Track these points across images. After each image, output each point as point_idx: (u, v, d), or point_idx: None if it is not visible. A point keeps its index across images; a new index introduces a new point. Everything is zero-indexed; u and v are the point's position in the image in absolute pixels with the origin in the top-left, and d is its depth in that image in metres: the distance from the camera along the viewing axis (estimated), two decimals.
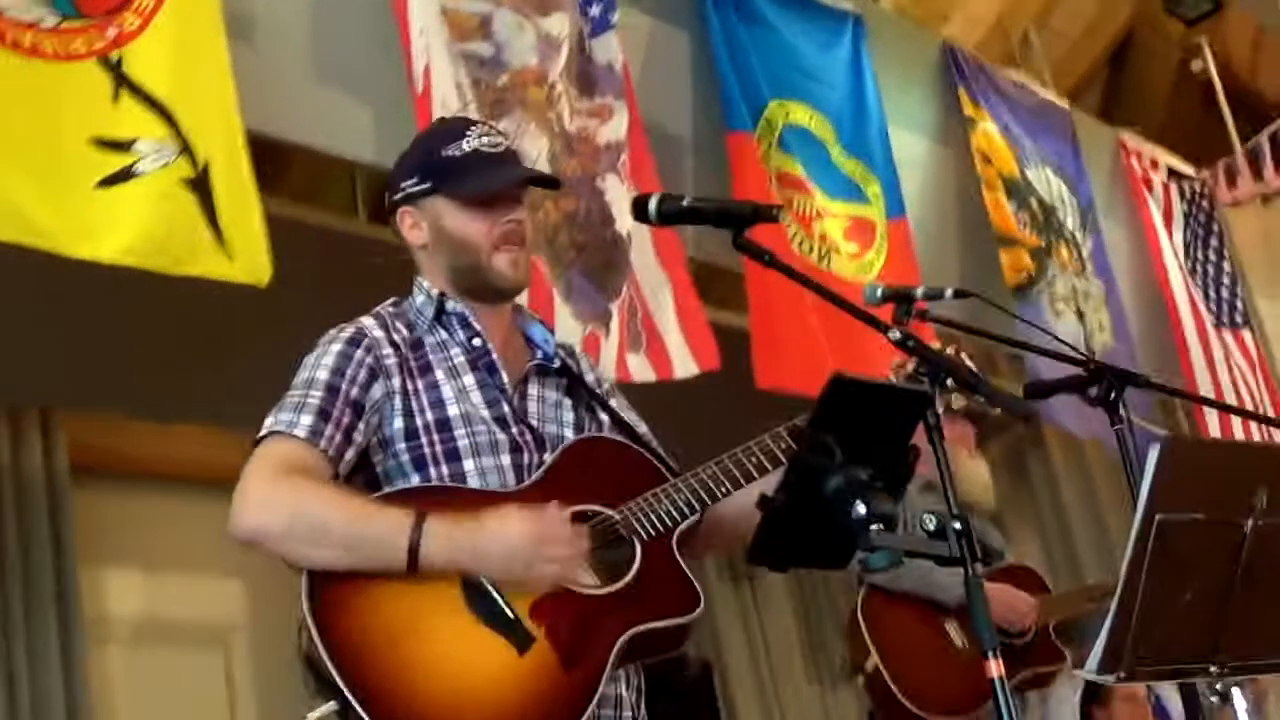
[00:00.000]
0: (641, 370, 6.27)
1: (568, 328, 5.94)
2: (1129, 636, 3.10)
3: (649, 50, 7.20)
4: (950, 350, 4.08)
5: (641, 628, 3.13)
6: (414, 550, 2.97)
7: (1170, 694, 7.90)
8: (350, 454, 3.20)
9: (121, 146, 5.15)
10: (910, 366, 3.53)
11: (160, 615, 8.06)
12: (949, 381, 3.20)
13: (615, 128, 6.73)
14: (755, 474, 3.31)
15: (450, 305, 3.43)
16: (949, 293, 4.07)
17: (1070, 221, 9.08)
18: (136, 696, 7.71)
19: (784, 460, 3.26)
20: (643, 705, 3.33)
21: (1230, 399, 9.62)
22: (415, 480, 3.24)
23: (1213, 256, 10.23)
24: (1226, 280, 10.23)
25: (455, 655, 3.01)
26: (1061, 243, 8.92)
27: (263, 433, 3.16)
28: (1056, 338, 4.70)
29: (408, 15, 5.93)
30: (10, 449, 7.42)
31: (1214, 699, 4.08)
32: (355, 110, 6.10)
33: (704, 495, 3.25)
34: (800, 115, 7.59)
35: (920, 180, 8.36)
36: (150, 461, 8.07)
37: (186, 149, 5.27)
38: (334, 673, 2.92)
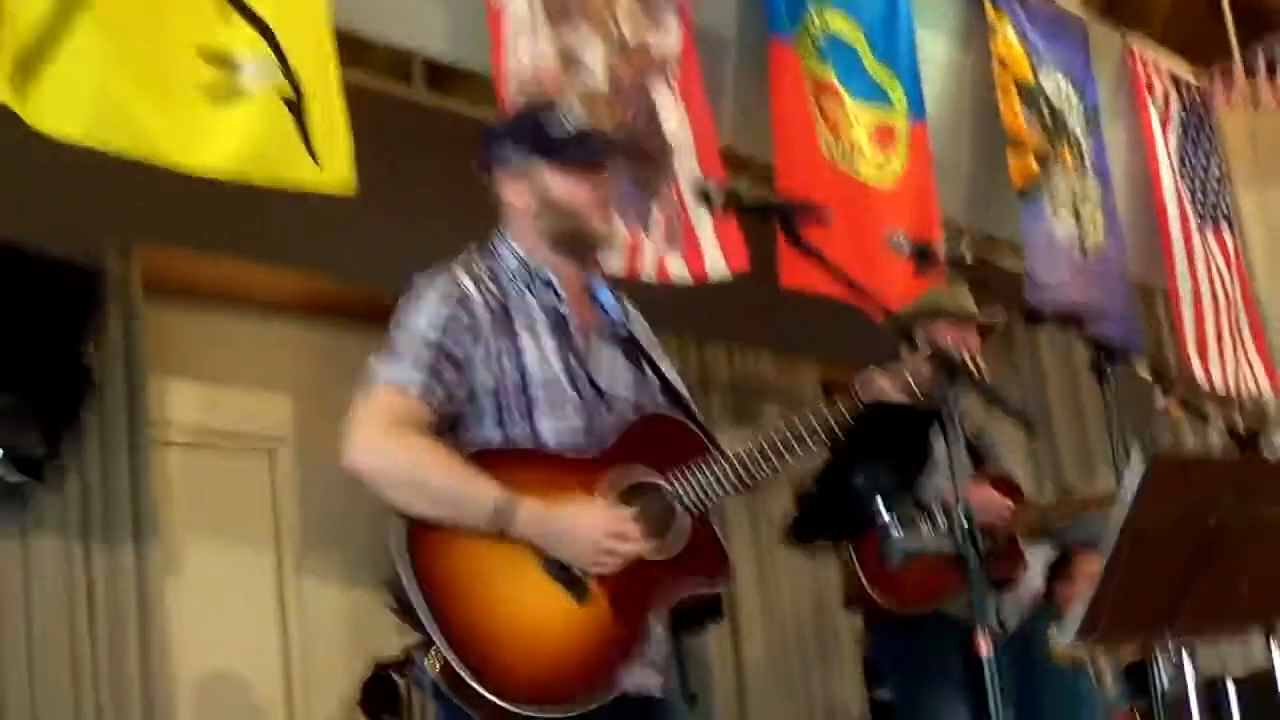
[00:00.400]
0: (680, 271, 6.45)
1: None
2: (1105, 608, 3.48)
3: None
4: (963, 246, 4.27)
5: (683, 593, 3.46)
6: (503, 528, 3.28)
7: None
8: (449, 406, 3.46)
9: (228, 61, 5.26)
10: (926, 370, 3.64)
11: (215, 424, 8.31)
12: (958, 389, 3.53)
13: (668, 38, 6.81)
14: (788, 457, 3.55)
15: (538, 269, 3.64)
16: (967, 255, 4.27)
17: (1075, 125, 9.12)
18: (192, 496, 8.00)
19: (815, 445, 3.54)
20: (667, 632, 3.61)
21: (1206, 297, 9.74)
22: (495, 433, 3.48)
23: (1203, 158, 10.27)
24: (1214, 181, 10.29)
25: (524, 600, 3.32)
26: (1065, 145, 8.98)
27: (376, 380, 3.44)
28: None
29: None
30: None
31: None
32: (431, 10, 6.24)
33: (744, 477, 3.52)
34: (837, 23, 7.64)
35: (941, 82, 8.41)
36: (212, 286, 8.27)
37: (286, 68, 5.38)
38: (422, 609, 3.23)
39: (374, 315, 8.84)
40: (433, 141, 6.10)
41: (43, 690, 7.31)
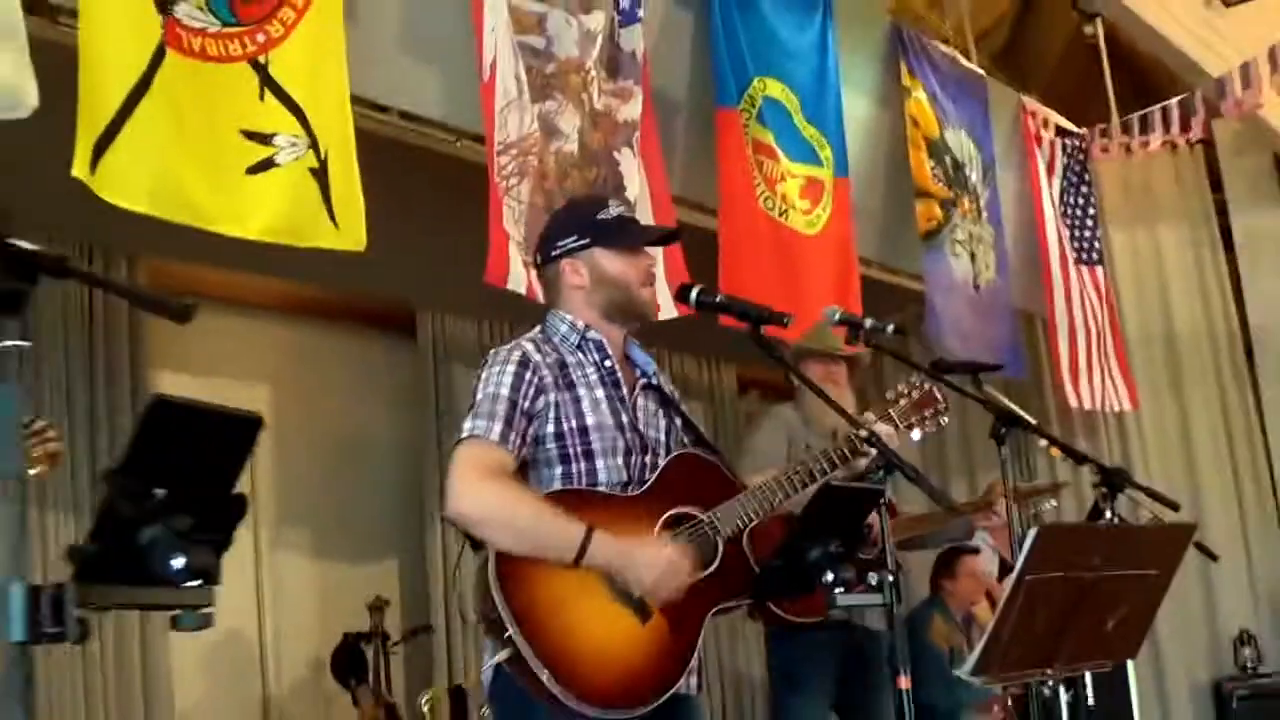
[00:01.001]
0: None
1: None
2: (998, 651, 3.89)
3: (660, 33, 7.46)
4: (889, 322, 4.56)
5: (721, 605, 3.87)
6: (580, 558, 3.61)
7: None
8: (524, 450, 3.78)
9: (265, 139, 5.48)
10: (870, 453, 3.99)
11: (206, 396, 8.39)
12: (893, 471, 3.91)
13: (632, 107, 7.03)
14: (800, 490, 3.98)
15: (590, 334, 3.96)
16: (890, 328, 4.55)
17: (974, 175, 9.38)
18: None
19: (819, 478, 4.01)
20: None
21: (1079, 327, 10.08)
22: (558, 470, 3.82)
23: (1080, 202, 10.57)
24: (1090, 223, 10.59)
25: (597, 621, 3.67)
26: (965, 195, 9.24)
27: (465, 435, 3.75)
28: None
29: (483, 15, 6.26)
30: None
31: None
32: (432, 81, 6.49)
33: (765, 505, 3.90)
34: (775, 89, 7.88)
35: (862, 138, 8.68)
36: (203, 290, 8.39)
37: (313, 142, 5.61)
38: (511, 626, 3.55)
39: (341, 315, 9.17)
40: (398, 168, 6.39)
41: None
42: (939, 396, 4.34)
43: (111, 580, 2.61)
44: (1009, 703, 7.38)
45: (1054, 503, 6.86)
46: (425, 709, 8.36)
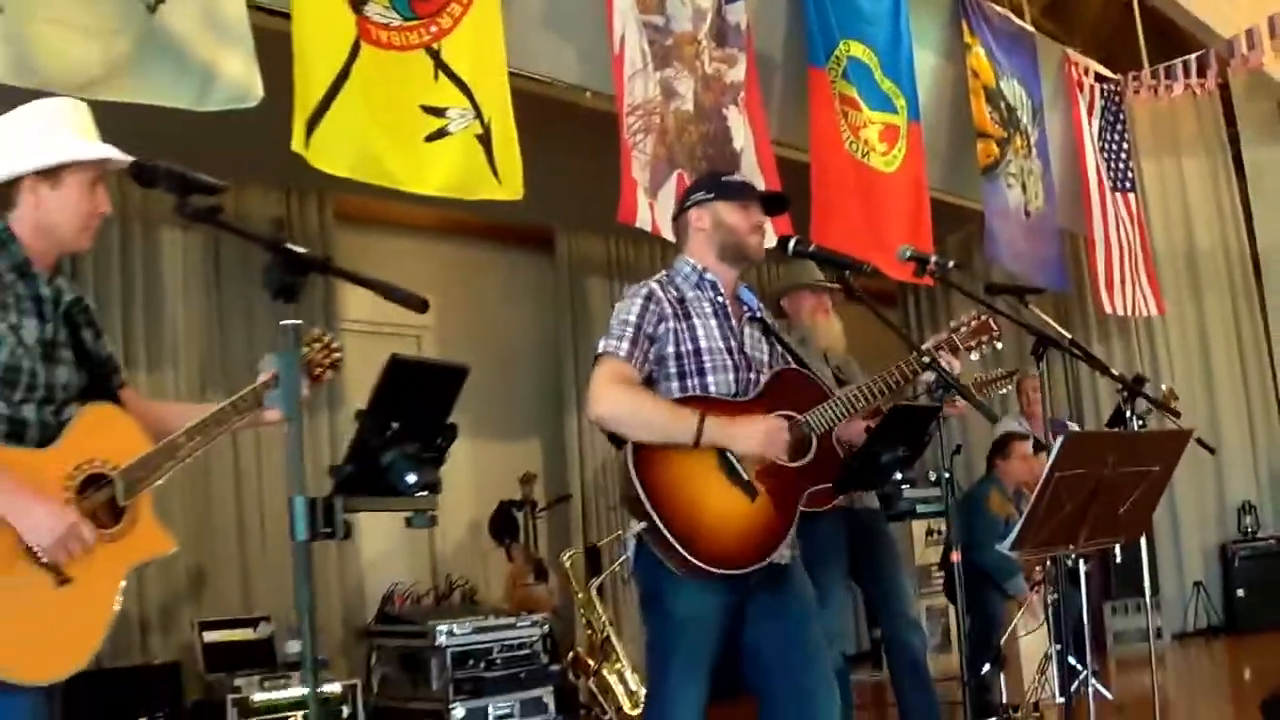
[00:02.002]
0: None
1: None
2: (1032, 531, 4.24)
3: (760, 5, 7.65)
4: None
5: (813, 488, 4.04)
6: (698, 440, 3.82)
7: None
8: (647, 367, 3.99)
9: (439, 112, 5.78)
10: (930, 377, 4.20)
11: (379, 318, 8.38)
12: (951, 387, 4.12)
13: (737, 71, 7.26)
14: (875, 399, 4.14)
15: (707, 275, 4.15)
16: (951, 263, 4.70)
17: (1025, 118, 9.52)
18: (363, 370, 8.40)
19: (899, 387, 4.16)
20: None
21: (1114, 245, 10.27)
22: (675, 384, 4.01)
23: (1116, 138, 10.68)
24: (1124, 156, 10.71)
25: (714, 497, 3.87)
26: (1017, 134, 9.39)
27: (600, 352, 3.97)
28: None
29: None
30: (299, 211, 8.37)
31: None
32: (570, 53, 6.74)
33: (848, 410, 4.06)
34: (857, 50, 8.06)
35: (930, 88, 8.85)
36: (379, 217, 8.74)
37: (478, 113, 5.90)
38: (646, 503, 3.79)
39: (493, 236, 9.40)
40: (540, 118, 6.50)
41: (273, 502, 8.05)
42: (993, 326, 4.39)
43: (362, 492, 2.99)
44: (1048, 563, 7.60)
45: (1010, 387, 6.86)
46: (567, 564, 8.64)
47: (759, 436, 3.86)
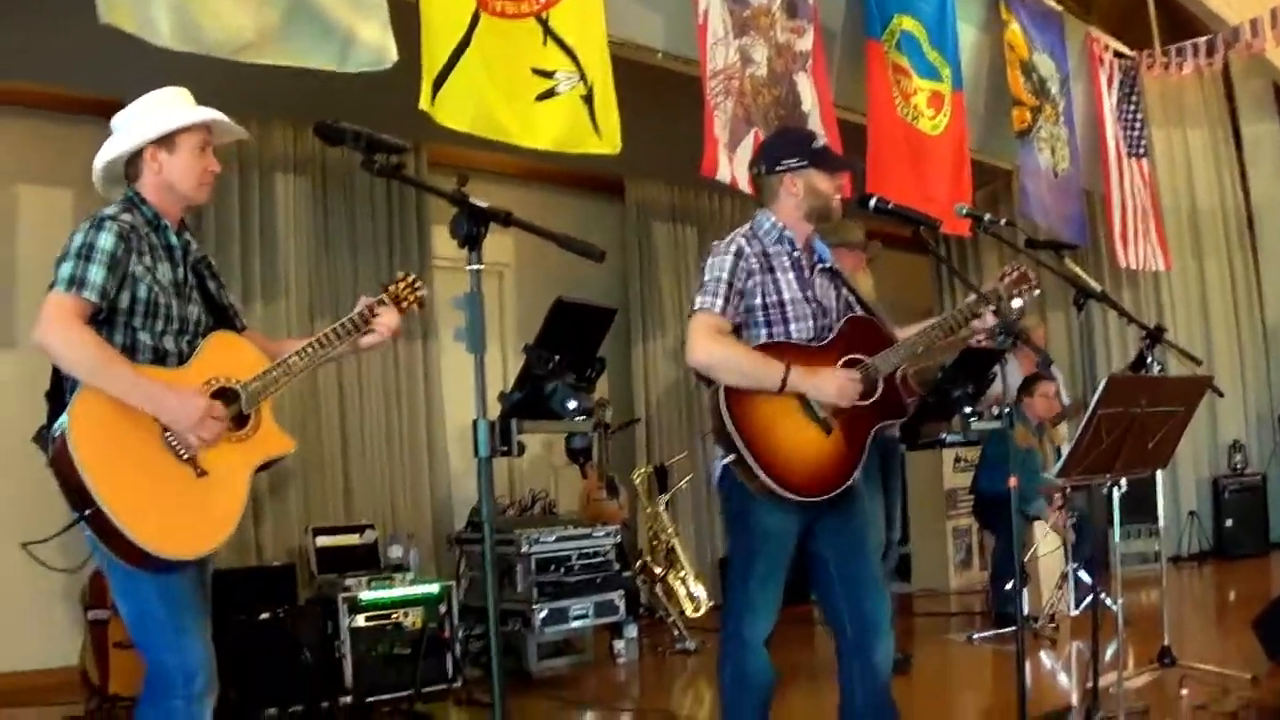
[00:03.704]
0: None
1: None
2: (1075, 461, 4.43)
3: None
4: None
5: (879, 425, 4.06)
6: (782, 387, 3.86)
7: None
8: (738, 317, 3.99)
9: (548, 75, 5.75)
10: (992, 321, 4.17)
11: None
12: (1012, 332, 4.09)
13: (805, 40, 7.19)
14: (938, 342, 4.14)
15: (786, 232, 4.11)
16: (1004, 221, 4.68)
17: (1054, 88, 9.41)
18: (450, 310, 8.40)
19: (955, 332, 4.13)
20: None
21: (1129, 204, 10.19)
22: (762, 331, 4.01)
23: (1131, 108, 10.58)
24: (1138, 125, 10.61)
25: (793, 433, 3.91)
26: (1047, 103, 9.29)
27: (696, 307, 3.97)
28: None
29: None
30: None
31: None
32: (656, 21, 6.71)
33: (912, 353, 4.06)
34: (908, 23, 7.97)
35: (971, 59, 8.75)
36: (467, 163, 8.60)
37: (583, 76, 5.85)
38: (736, 437, 3.83)
39: (567, 182, 9.38)
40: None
41: (372, 422, 8.15)
42: (1031, 276, 4.35)
43: (529, 416, 3.07)
44: (1066, 491, 7.63)
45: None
46: (636, 481, 8.69)
47: (834, 388, 3.90)
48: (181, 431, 3.14)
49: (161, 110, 3.40)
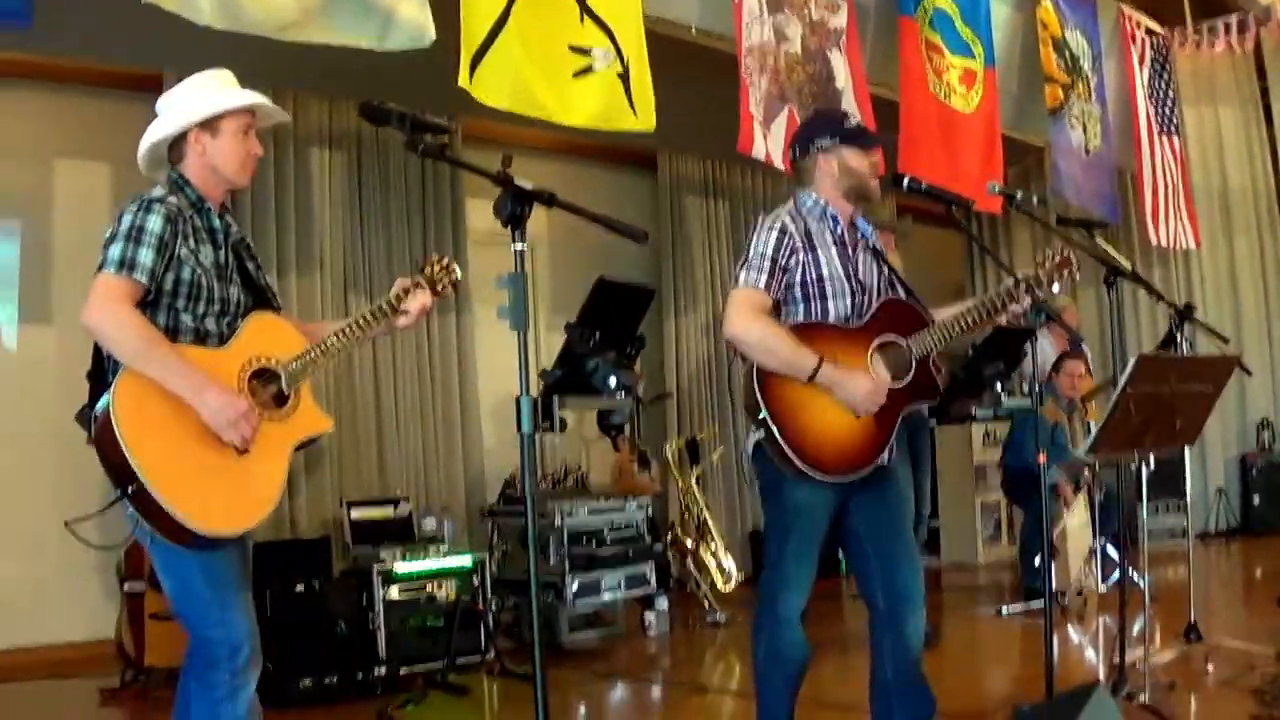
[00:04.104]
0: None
1: None
2: (1106, 438, 4.51)
3: None
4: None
5: (910, 406, 4.06)
6: (812, 377, 3.86)
7: None
8: (778, 294, 4.00)
9: (585, 52, 5.75)
10: (1026, 301, 4.14)
11: (499, 228, 8.58)
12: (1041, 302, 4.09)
13: (839, 18, 7.19)
14: (974, 326, 4.13)
15: (829, 210, 4.13)
16: (1035, 198, 4.71)
17: (1086, 66, 9.37)
18: (486, 275, 8.35)
19: (991, 316, 4.11)
20: None
21: (1160, 181, 10.16)
22: (801, 307, 4.02)
23: (1163, 86, 10.51)
24: (1170, 102, 10.55)
25: (823, 412, 3.91)
26: (1079, 80, 9.25)
27: (740, 284, 3.98)
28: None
29: None
30: None
31: None
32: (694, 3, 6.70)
33: (947, 336, 4.06)
34: (942, 1, 7.99)
35: (1004, 37, 8.72)
36: (502, 137, 8.57)
37: (619, 54, 5.87)
38: (766, 415, 3.86)
39: (600, 156, 9.38)
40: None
41: (406, 395, 8.21)
42: (1073, 259, 4.28)
43: (570, 392, 3.11)
44: (1095, 467, 7.64)
45: None
46: (670, 454, 8.73)
47: (860, 394, 3.90)
48: (216, 428, 3.17)
49: (205, 93, 3.42)
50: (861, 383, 3.91)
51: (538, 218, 8.91)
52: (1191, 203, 10.70)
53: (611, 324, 3.17)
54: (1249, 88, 11.62)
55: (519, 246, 2.88)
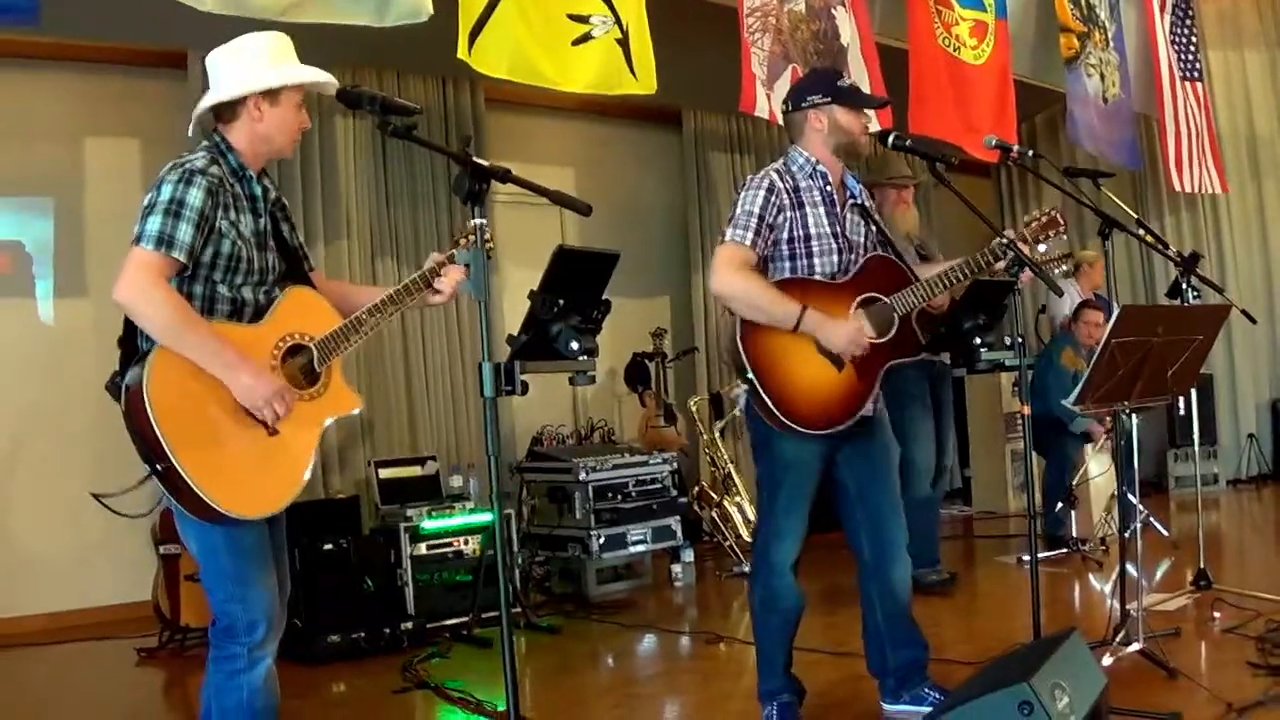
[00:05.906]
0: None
1: None
2: (1091, 389, 4.50)
3: None
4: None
5: (892, 360, 4.12)
6: (796, 327, 3.94)
7: None
8: (766, 249, 4.07)
9: (583, 19, 5.80)
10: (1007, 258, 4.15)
11: (526, 195, 8.68)
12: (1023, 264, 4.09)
13: None
14: (955, 284, 4.17)
15: (819, 167, 4.17)
16: (1030, 153, 4.69)
17: (1103, 13, 9.26)
18: (510, 235, 8.49)
19: (976, 273, 4.15)
20: None
21: (1183, 128, 10.03)
22: (788, 264, 4.09)
23: (1186, 31, 10.36)
24: (1193, 48, 10.39)
25: (806, 366, 3.99)
26: (1096, 29, 9.14)
27: (726, 239, 4.05)
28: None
29: None
30: (454, 97, 8.41)
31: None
32: None
33: (930, 293, 4.10)
34: None
35: None
36: (522, 99, 8.64)
37: (617, 19, 5.90)
38: (749, 369, 3.95)
39: (626, 114, 9.41)
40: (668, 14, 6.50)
41: (435, 355, 8.30)
42: (1060, 220, 4.31)
43: (534, 357, 3.18)
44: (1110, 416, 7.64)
45: (1069, 265, 6.87)
46: (694, 408, 8.79)
47: (843, 339, 3.97)
48: (251, 407, 3.13)
49: (264, 59, 3.33)
50: (843, 327, 3.98)
51: (565, 185, 8.95)
52: (1217, 148, 10.57)
53: (575, 290, 3.24)
54: (1275, 31, 11.42)
55: (479, 221, 2.96)
